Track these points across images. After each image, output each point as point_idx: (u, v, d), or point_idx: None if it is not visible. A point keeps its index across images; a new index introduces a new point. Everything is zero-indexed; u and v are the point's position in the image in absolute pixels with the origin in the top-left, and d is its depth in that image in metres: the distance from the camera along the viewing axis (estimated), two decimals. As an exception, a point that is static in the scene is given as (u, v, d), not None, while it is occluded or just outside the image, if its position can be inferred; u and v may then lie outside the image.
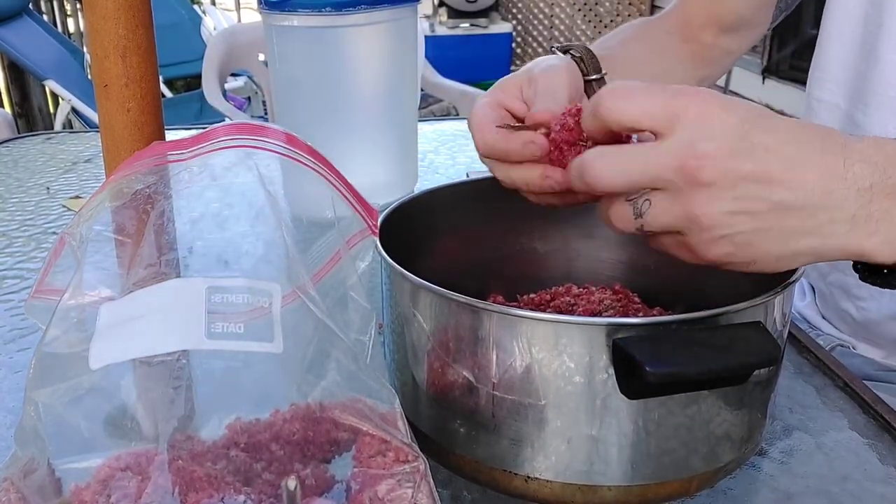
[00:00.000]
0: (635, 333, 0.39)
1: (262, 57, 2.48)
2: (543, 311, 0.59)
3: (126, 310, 0.40)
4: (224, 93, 2.47)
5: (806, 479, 0.51)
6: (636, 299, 0.60)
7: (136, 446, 0.40)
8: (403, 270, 0.46)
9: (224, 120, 2.43)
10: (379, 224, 0.49)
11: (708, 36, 0.82)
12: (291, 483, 0.38)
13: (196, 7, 4.15)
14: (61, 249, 0.44)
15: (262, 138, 0.45)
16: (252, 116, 2.82)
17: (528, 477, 0.44)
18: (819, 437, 0.55)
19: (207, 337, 0.38)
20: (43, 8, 3.82)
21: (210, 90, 2.37)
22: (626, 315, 0.56)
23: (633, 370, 0.38)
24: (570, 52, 0.56)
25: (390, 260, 0.46)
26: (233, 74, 2.86)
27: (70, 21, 4.05)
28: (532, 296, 0.61)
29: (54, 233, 0.90)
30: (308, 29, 0.85)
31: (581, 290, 0.61)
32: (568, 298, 0.59)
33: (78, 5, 3.88)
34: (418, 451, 0.41)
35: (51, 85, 2.96)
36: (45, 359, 0.40)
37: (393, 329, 0.50)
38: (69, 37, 3.82)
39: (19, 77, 3.36)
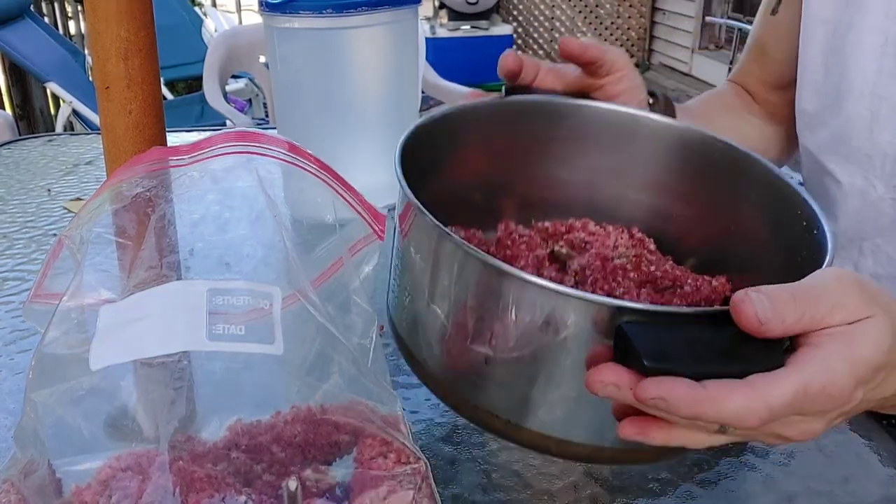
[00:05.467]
0: (641, 319, 0.39)
1: (263, 59, 2.48)
2: (555, 241, 0.57)
3: (127, 311, 0.40)
4: (225, 95, 2.47)
5: (807, 480, 0.51)
6: (652, 248, 0.57)
7: (136, 447, 0.40)
8: (420, 205, 0.43)
9: (225, 122, 2.43)
10: (402, 142, 0.47)
11: (773, 98, 0.86)
12: (292, 484, 0.38)
13: (197, 9, 4.16)
14: (60, 251, 0.44)
15: (264, 145, 0.45)
16: (253, 118, 2.82)
17: (509, 422, 0.44)
18: (820, 438, 0.55)
19: (208, 338, 0.38)
20: (44, 10, 3.82)
21: (211, 92, 2.37)
22: (638, 266, 0.53)
23: (632, 356, 0.37)
24: (650, 91, 0.62)
25: (409, 192, 0.43)
26: (234, 76, 2.86)
27: (71, 23, 4.05)
28: (546, 224, 0.58)
29: (55, 235, 0.90)
30: (309, 31, 0.85)
31: (598, 228, 0.58)
32: (582, 235, 0.57)
33: (79, 7, 3.89)
34: (420, 452, 0.41)
35: (52, 87, 2.97)
36: (45, 360, 0.40)
37: (402, 258, 0.48)
38: (70, 38, 3.82)
39: (20, 79, 3.36)
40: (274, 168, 0.45)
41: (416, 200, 0.42)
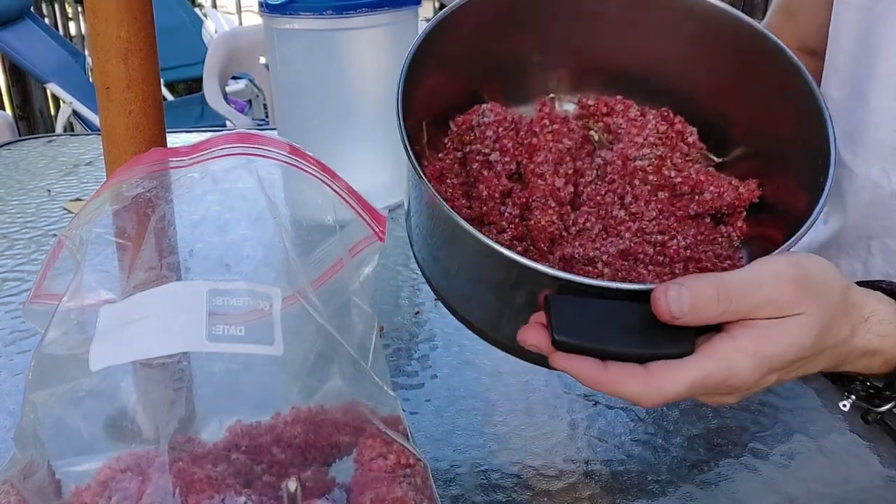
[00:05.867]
0: (564, 291, 0.40)
1: (263, 60, 2.48)
2: (595, 121, 0.57)
3: (126, 312, 0.40)
4: (225, 96, 2.48)
5: (807, 481, 0.51)
6: (690, 139, 0.56)
7: (136, 448, 0.40)
8: (422, 176, 0.44)
9: (225, 123, 2.43)
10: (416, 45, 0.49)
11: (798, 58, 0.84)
12: (292, 485, 0.38)
13: (197, 10, 4.16)
14: (59, 252, 0.44)
15: (264, 147, 0.45)
16: (253, 119, 2.82)
17: (482, 331, 0.48)
18: (820, 439, 0.55)
19: (208, 339, 0.38)
20: (44, 11, 3.82)
21: (211, 93, 2.37)
22: (659, 170, 0.53)
23: (549, 326, 0.39)
24: None
25: (412, 158, 0.44)
26: (234, 77, 2.86)
27: (71, 24, 4.05)
28: (590, 101, 0.58)
29: (55, 235, 0.90)
30: (309, 32, 0.85)
31: (638, 113, 0.56)
32: (621, 120, 0.56)
33: (79, 8, 3.89)
34: (419, 453, 0.41)
35: (52, 87, 2.96)
36: (45, 361, 0.40)
37: (417, 210, 0.50)
38: (70, 39, 3.82)
39: (20, 79, 3.36)
40: (274, 169, 0.45)
41: (413, 160, 0.44)
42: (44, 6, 3.82)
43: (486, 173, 0.51)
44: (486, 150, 0.52)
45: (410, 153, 0.44)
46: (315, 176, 0.46)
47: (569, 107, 0.59)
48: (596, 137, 0.57)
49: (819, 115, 0.49)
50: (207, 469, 0.39)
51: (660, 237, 0.50)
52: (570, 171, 0.52)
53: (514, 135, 0.53)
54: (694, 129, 0.56)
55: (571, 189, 0.51)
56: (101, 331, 0.39)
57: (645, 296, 0.39)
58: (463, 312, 0.49)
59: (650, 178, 0.52)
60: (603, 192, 0.52)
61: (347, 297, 0.46)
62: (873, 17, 0.70)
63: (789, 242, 0.43)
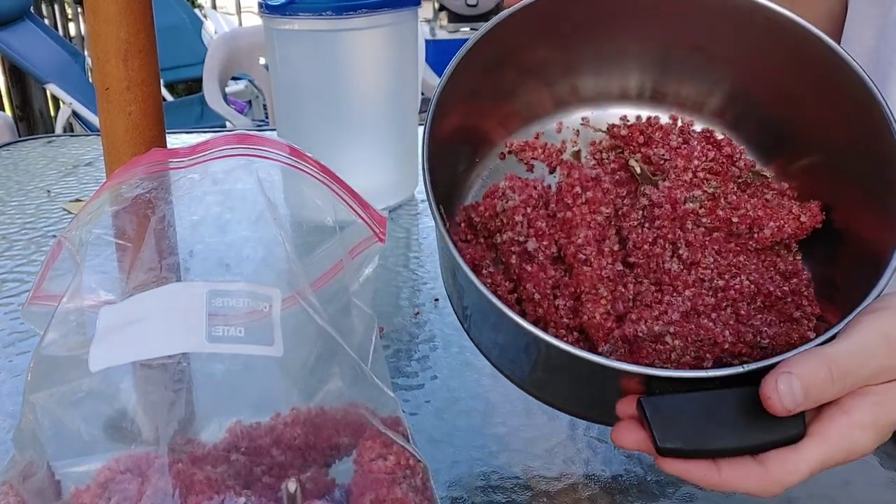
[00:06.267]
0: (663, 388, 0.39)
1: (262, 60, 2.49)
2: (632, 153, 0.53)
3: (126, 313, 0.40)
4: (225, 96, 2.48)
5: (807, 483, 0.51)
6: (741, 161, 0.52)
7: (135, 449, 0.40)
8: (457, 256, 0.42)
9: (225, 123, 2.43)
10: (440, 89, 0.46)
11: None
12: (291, 485, 0.38)
13: (197, 10, 4.16)
14: (59, 253, 0.44)
15: (264, 148, 0.45)
16: (253, 120, 2.82)
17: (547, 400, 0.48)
18: (820, 441, 0.55)
19: (208, 340, 0.38)
20: (44, 11, 3.82)
21: (211, 94, 2.37)
22: (713, 211, 0.49)
23: (649, 430, 0.38)
24: None
25: (449, 240, 0.43)
26: (234, 78, 2.86)
27: (71, 24, 4.05)
28: (623, 130, 0.54)
29: (54, 236, 0.90)
30: (309, 33, 0.85)
31: (679, 140, 0.52)
32: (662, 151, 0.52)
33: (79, 9, 3.89)
34: (420, 454, 0.41)
35: (52, 88, 2.96)
36: (44, 362, 0.39)
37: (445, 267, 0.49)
38: (70, 40, 3.82)
39: (20, 80, 3.36)
40: (274, 170, 0.45)
41: (447, 235, 0.42)
42: (43, 7, 3.82)
43: (529, 268, 0.48)
44: (521, 239, 0.48)
45: (460, 259, 0.41)
46: (315, 177, 0.46)
47: (598, 135, 0.55)
48: (638, 170, 0.53)
49: (887, 128, 0.45)
50: (207, 470, 0.39)
51: (720, 282, 0.48)
52: (616, 248, 0.49)
53: (545, 212, 0.49)
54: (742, 148, 0.53)
55: (620, 267, 0.48)
56: (101, 332, 0.39)
57: (743, 380, 0.37)
58: (534, 391, 0.48)
59: (703, 220, 0.49)
60: (651, 240, 0.49)
61: (347, 299, 0.46)
62: (891, 17, 0.70)
63: (880, 286, 0.40)
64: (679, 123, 0.55)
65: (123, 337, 0.39)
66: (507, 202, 0.49)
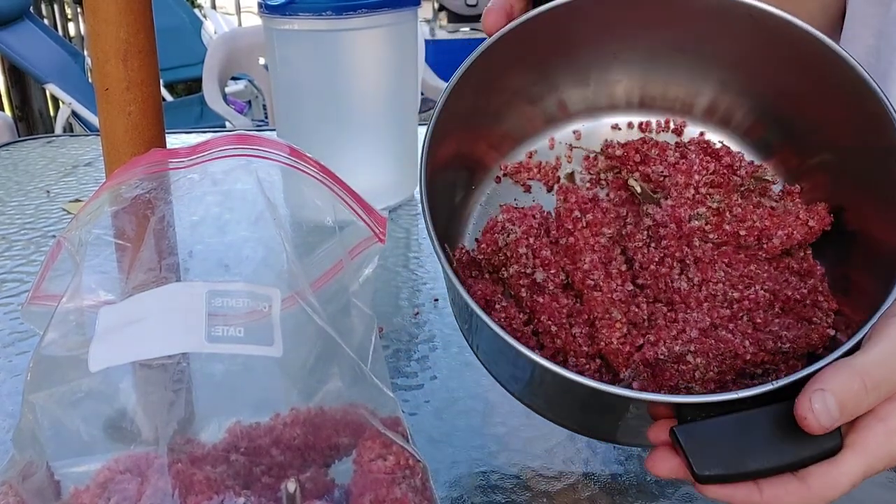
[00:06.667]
0: (695, 414, 0.38)
1: (262, 61, 2.49)
2: (630, 173, 0.52)
3: (126, 313, 0.40)
4: (224, 96, 2.48)
5: (806, 483, 0.51)
6: (742, 168, 0.51)
7: (135, 449, 0.40)
8: (462, 289, 0.42)
9: (225, 123, 2.43)
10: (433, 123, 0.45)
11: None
12: (291, 486, 0.38)
13: (196, 11, 4.16)
14: (58, 253, 0.44)
15: (264, 149, 0.45)
16: (252, 120, 2.82)
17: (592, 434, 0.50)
18: (819, 441, 0.55)
19: (207, 340, 0.38)
20: (44, 11, 3.82)
21: (210, 94, 2.37)
22: (719, 226, 0.49)
23: (685, 458, 0.38)
24: None
25: (451, 273, 0.43)
26: (233, 78, 2.87)
27: (71, 25, 4.05)
28: (617, 147, 0.53)
29: (54, 236, 0.90)
30: (309, 33, 0.85)
31: (677, 155, 0.52)
32: (660, 168, 0.51)
33: (79, 9, 3.89)
34: (419, 454, 0.41)
35: (51, 88, 2.97)
36: (44, 362, 0.40)
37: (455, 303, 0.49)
38: (70, 40, 3.82)
39: (20, 80, 3.36)
40: (274, 171, 0.45)
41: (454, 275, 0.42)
42: (43, 7, 3.82)
43: (541, 300, 0.47)
44: (528, 271, 0.48)
45: (471, 301, 0.41)
46: (315, 177, 0.46)
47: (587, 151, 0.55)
48: (638, 189, 0.52)
49: (889, 121, 0.44)
50: (206, 470, 0.39)
51: (735, 293, 0.47)
52: (624, 268, 0.48)
53: (547, 240, 0.49)
54: (741, 154, 0.52)
55: (630, 287, 0.48)
56: (101, 332, 0.39)
57: (774, 396, 0.37)
58: (559, 420, 0.48)
59: (710, 236, 0.49)
60: (658, 259, 0.48)
61: (347, 299, 0.46)
62: (891, 14, 0.69)
63: None
64: (672, 125, 0.54)
65: (123, 337, 0.39)
66: (508, 236, 0.48)
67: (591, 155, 0.54)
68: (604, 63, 0.53)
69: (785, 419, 0.36)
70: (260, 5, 0.87)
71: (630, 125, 0.55)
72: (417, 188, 0.98)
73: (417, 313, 0.73)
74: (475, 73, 0.47)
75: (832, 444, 0.36)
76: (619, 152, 0.53)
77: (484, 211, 0.54)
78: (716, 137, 0.54)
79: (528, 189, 0.54)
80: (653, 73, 0.53)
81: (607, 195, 0.53)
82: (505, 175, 0.54)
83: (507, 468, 0.53)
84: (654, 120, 0.55)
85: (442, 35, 5.32)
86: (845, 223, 0.48)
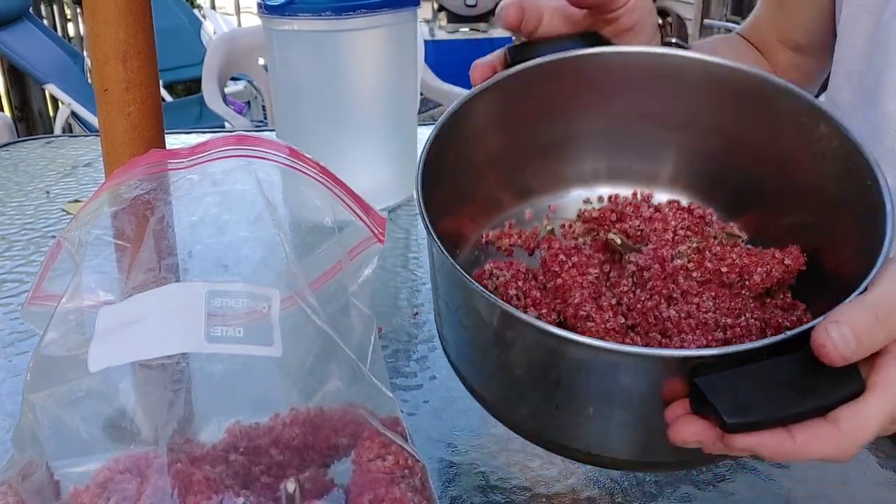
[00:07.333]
0: (713, 368, 0.37)
1: (262, 61, 2.49)
2: (606, 231, 0.53)
3: (125, 313, 0.40)
4: (224, 97, 2.47)
5: (806, 482, 0.51)
6: (713, 222, 0.53)
7: (135, 449, 0.40)
8: (460, 270, 0.42)
9: (224, 124, 2.43)
10: (421, 169, 0.46)
11: (782, 57, 0.84)
12: (290, 486, 0.38)
13: (196, 11, 4.16)
14: (58, 253, 0.44)
15: (263, 149, 0.45)
16: (252, 121, 2.82)
17: (591, 452, 0.44)
18: (818, 441, 0.55)
19: (207, 340, 0.38)
20: (43, 12, 3.82)
21: (210, 94, 2.37)
22: (701, 264, 0.49)
23: (711, 412, 0.36)
24: (666, 11, 0.59)
25: (446, 254, 0.42)
26: (233, 78, 2.87)
27: (70, 25, 4.05)
28: (594, 213, 0.55)
29: (53, 236, 0.90)
30: (308, 33, 0.85)
31: (651, 210, 0.54)
32: (637, 222, 0.53)
33: (78, 10, 3.89)
34: (418, 454, 0.41)
35: (51, 89, 2.97)
36: (44, 362, 0.40)
37: (448, 307, 0.47)
38: (69, 41, 3.82)
39: (19, 81, 3.36)
40: (273, 171, 0.45)
41: (451, 260, 0.41)
42: (42, 7, 3.82)
43: None
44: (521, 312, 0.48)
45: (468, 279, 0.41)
46: (314, 178, 0.46)
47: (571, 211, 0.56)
48: (618, 241, 0.52)
49: (866, 167, 0.45)
50: (206, 470, 0.39)
51: (727, 320, 0.47)
52: (614, 302, 0.48)
53: (535, 283, 0.49)
54: (711, 210, 0.54)
55: (622, 319, 0.47)
56: (100, 332, 0.39)
57: (788, 348, 0.37)
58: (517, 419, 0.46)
59: (693, 273, 0.49)
60: (645, 299, 0.48)
61: (346, 299, 0.46)
62: (882, 21, 0.70)
63: (884, 252, 0.40)
64: (640, 196, 0.56)
65: (122, 337, 0.39)
66: (497, 279, 0.49)
67: (568, 224, 0.56)
68: (569, 137, 0.55)
69: (804, 366, 0.36)
70: (259, 6, 0.87)
71: (600, 199, 0.57)
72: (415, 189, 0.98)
73: (416, 313, 0.73)
74: (439, 149, 0.48)
75: (856, 384, 0.36)
76: (595, 214, 0.55)
77: (468, 272, 0.54)
78: (685, 201, 0.56)
79: (510, 253, 0.55)
80: (618, 140, 0.56)
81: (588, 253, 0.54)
82: (486, 243, 0.55)
83: (507, 468, 0.53)
84: (623, 191, 0.57)
85: (441, 35, 5.32)
86: (822, 265, 0.49)
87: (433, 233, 0.43)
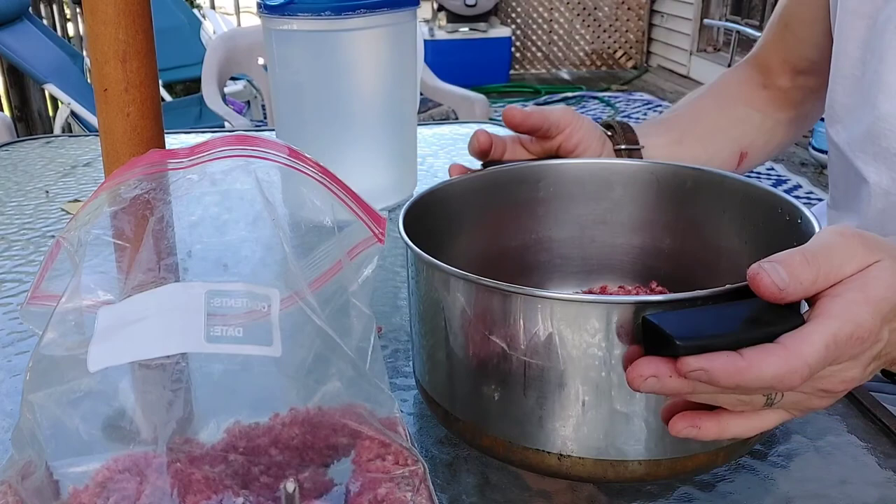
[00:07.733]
0: (663, 309, 0.40)
1: (261, 61, 2.49)
2: None
3: (125, 313, 0.40)
4: (223, 97, 2.48)
5: (804, 482, 0.51)
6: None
7: (134, 449, 0.40)
8: (433, 259, 0.47)
9: (224, 124, 2.43)
10: (402, 218, 0.52)
11: (785, 80, 0.87)
12: (290, 486, 0.38)
13: (195, 11, 4.16)
14: (57, 253, 0.44)
15: (263, 149, 0.45)
16: (251, 120, 2.82)
17: (561, 455, 0.46)
18: (817, 440, 0.55)
19: (206, 340, 0.38)
20: (43, 12, 3.82)
21: (209, 94, 2.37)
22: None
23: (664, 343, 0.38)
24: (609, 124, 0.71)
25: (419, 251, 0.48)
26: (232, 78, 2.87)
27: (70, 25, 4.06)
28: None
29: (53, 236, 0.90)
30: (308, 33, 0.85)
31: (618, 288, 0.62)
32: None
33: (78, 10, 3.89)
34: (418, 454, 0.41)
35: (50, 88, 2.97)
36: (43, 361, 0.40)
37: (422, 317, 0.51)
38: (69, 41, 3.82)
39: (19, 80, 3.36)
40: (273, 171, 0.45)
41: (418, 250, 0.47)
42: (42, 7, 3.83)
43: None
44: None
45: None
46: (314, 178, 0.46)
47: None
48: None
49: None
50: (205, 470, 0.39)
51: None
52: None
53: None
54: (661, 286, 0.61)
55: None
56: (100, 332, 0.39)
57: (740, 293, 0.40)
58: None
59: None
60: None
61: (346, 299, 0.46)
62: (877, 25, 0.70)
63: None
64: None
65: (122, 337, 0.39)
66: None
67: None
68: (539, 238, 0.64)
69: (748, 310, 0.39)
70: (259, 5, 0.87)
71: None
72: (416, 188, 0.98)
73: (416, 313, 0.73)
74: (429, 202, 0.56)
75: (797, 319, 0.39)
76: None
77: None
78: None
79: None
80: (585, 242, 0.64)
81: None
82: None
83: (506, 468, 0.53)
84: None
85: (441, 35, 5.32)
86: None
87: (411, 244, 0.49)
